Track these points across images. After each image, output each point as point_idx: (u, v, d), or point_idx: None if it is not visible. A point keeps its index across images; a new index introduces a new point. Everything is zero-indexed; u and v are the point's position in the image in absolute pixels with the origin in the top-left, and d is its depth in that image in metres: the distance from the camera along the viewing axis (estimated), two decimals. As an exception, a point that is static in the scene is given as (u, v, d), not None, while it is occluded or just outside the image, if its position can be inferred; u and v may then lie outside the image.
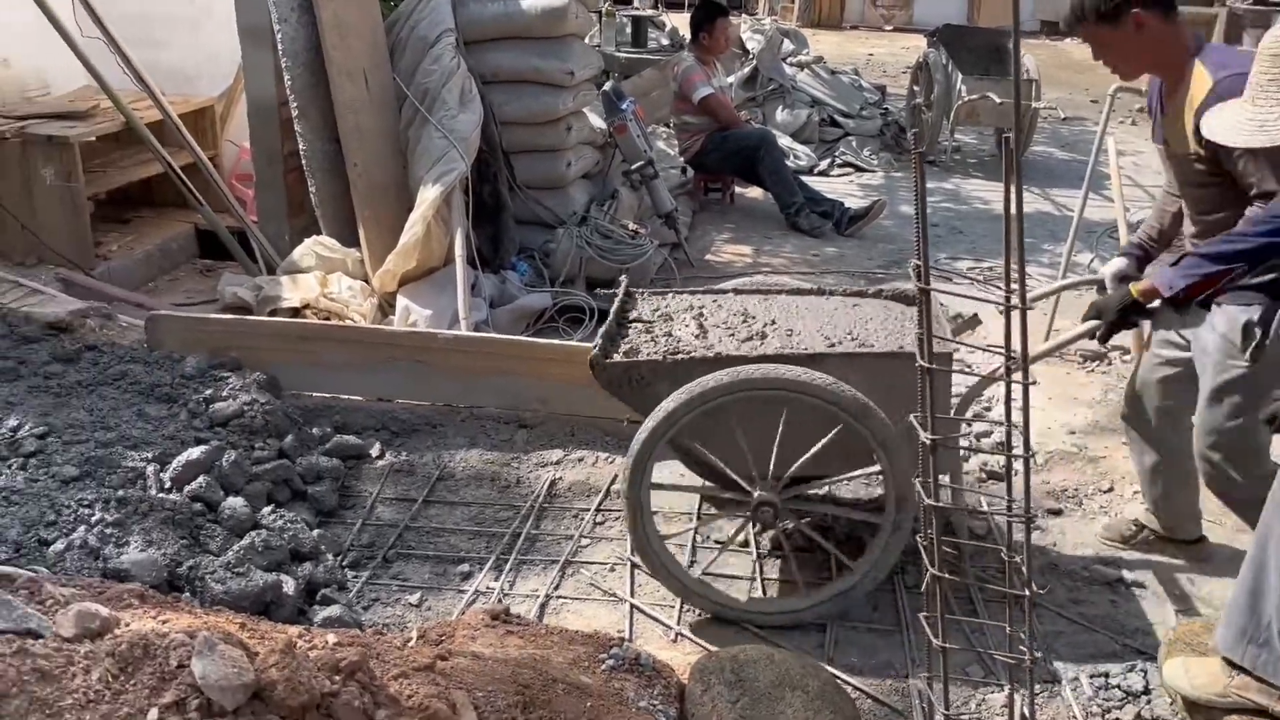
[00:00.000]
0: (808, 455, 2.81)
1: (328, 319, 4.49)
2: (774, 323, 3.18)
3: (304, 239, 4.85)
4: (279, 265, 4.86)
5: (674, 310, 3.33)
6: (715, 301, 3.38)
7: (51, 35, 4.78)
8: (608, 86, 5.91)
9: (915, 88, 8.93)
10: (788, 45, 10.42)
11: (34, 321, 4.36)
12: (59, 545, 2.95)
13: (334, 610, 2.93)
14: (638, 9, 11.04)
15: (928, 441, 2.19)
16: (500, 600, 3.07)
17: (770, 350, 2.95)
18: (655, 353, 3.00)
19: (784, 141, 8.18)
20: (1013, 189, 1.92)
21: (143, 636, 1.53)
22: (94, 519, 3.06)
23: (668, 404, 2.80)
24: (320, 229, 4.91)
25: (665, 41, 10.08)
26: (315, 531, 3.30)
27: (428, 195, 4.67)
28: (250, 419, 3.68)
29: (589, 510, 3.54)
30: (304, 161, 4.79)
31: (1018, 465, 2.16)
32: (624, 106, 5.73)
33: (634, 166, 5.77)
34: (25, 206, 4.99)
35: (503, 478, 3.73)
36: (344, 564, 3.27)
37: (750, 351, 2.94)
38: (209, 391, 3.81)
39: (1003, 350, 2.15)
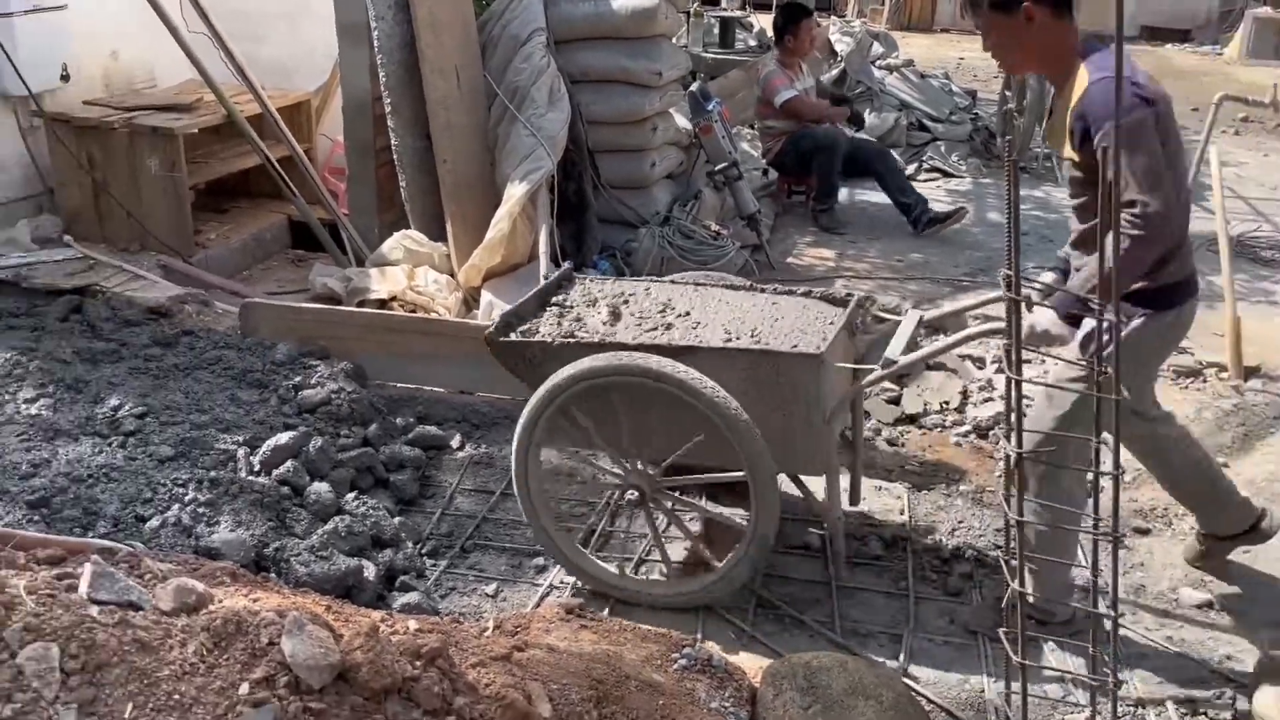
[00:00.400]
0: (685, 447, 2.85)
1: (414, 312, 4.58)
2: (688, 314, 3.21)
3: (393, 233, 4.95)
4: (368, 258, 4.97)
5: (602, 296, 3.39)
6: (647, 291, 3.42)
7: (159, 29, 4.96)
8: (694, 87, 5.92)
9: (1007, 93, 8.75)
10: (877, 48, 10.31)
11: (136, 305, 4.53)
12: (154, 522, 3.07)
13: (413, 597, 3.00)
14: (725, 10, 11.02)
15: (1013, 455, 2.15)
16: (573, 595, 3.10)
17: (657, 340, 3.02)
18: (547, 335, 3.09)
19: (870, 145, 8.09)
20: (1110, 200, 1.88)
21: (236, 613, 1.59)
22: (187, 498, 3.17)
23: (545, 386, 2.90)
24: (409, 223, 5.00)
25: (753, 43, 10.04)
26: (396, 519, 3.37)
27: (514, 192, 4.73)
28: (337, 407, 3.78)
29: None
30: (395, 157, 4.89)
31: (1105, 482, 2.11)
32: (710, 107, 5.73)
33: (718, 167, 5.77)
34: (131, 195, 5.18)
35: (579, 473, 3.76)
36: (423, 552, 3.33)
37: (634, 340, 3.00)
38: (298, 379, 3.92)
39: (1093, 363, 2.10)
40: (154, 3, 4.90)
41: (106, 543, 2.15)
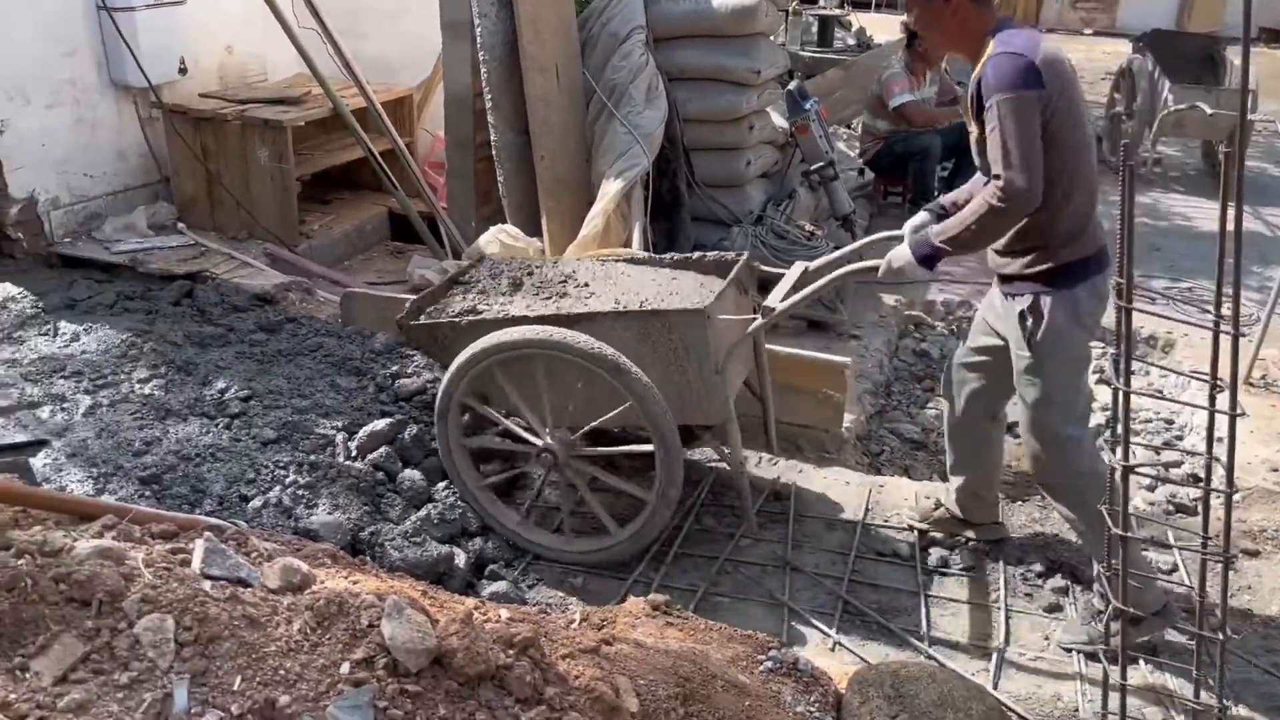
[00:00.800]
0: (601, 413, 3.06)
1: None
2: (586, 285, 3.38)
3: (489, 227, 5.02)
4: (464, 251, 5.05)
5: (507, 273, 3.56)
6: (555, 265, 3.59)
7: (271, 24, 5.11)
8: (792, 86, 5.86)
9: (1116, 95, 8.49)
10: (980, 47, 10.06)
11: (243, 292, 4.69)
12: (256, 502, 3.17)
13: (501, 586, 3.04)
14: (824, 9, 10.90)
15: (1119, 468, 2.09)
16: (657, 591, 3.10)
17: (551, 311, 3.20)
18: (454, 314, 3.26)
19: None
20: (1231, 207, 1.81)
21: (338, 595, 1.63)
22: (288, 480, 3.27)
23: (452, 367, 3.10)
24: (505, 217, 5.07)
25: (851, 41, 9.92)
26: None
27: (610, 189, 4.76)
28: (432, 396, 3.84)
29: (751, 510, 3.53)
30: (494, 152, 4.96)
31: (1216, 500, 2.03)
32: (807, 106, 5.67)
33: (814, 167, 5.71)
34: (241, 185, 5.36)
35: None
36: (510, 541, 3.37)
37: (531, 312, 3.19)
38: (395, 368, 4.00)
39: (1208, 376, 2.03)
40: (270, 2, 5.05)
41: (216, 520, 2.23)
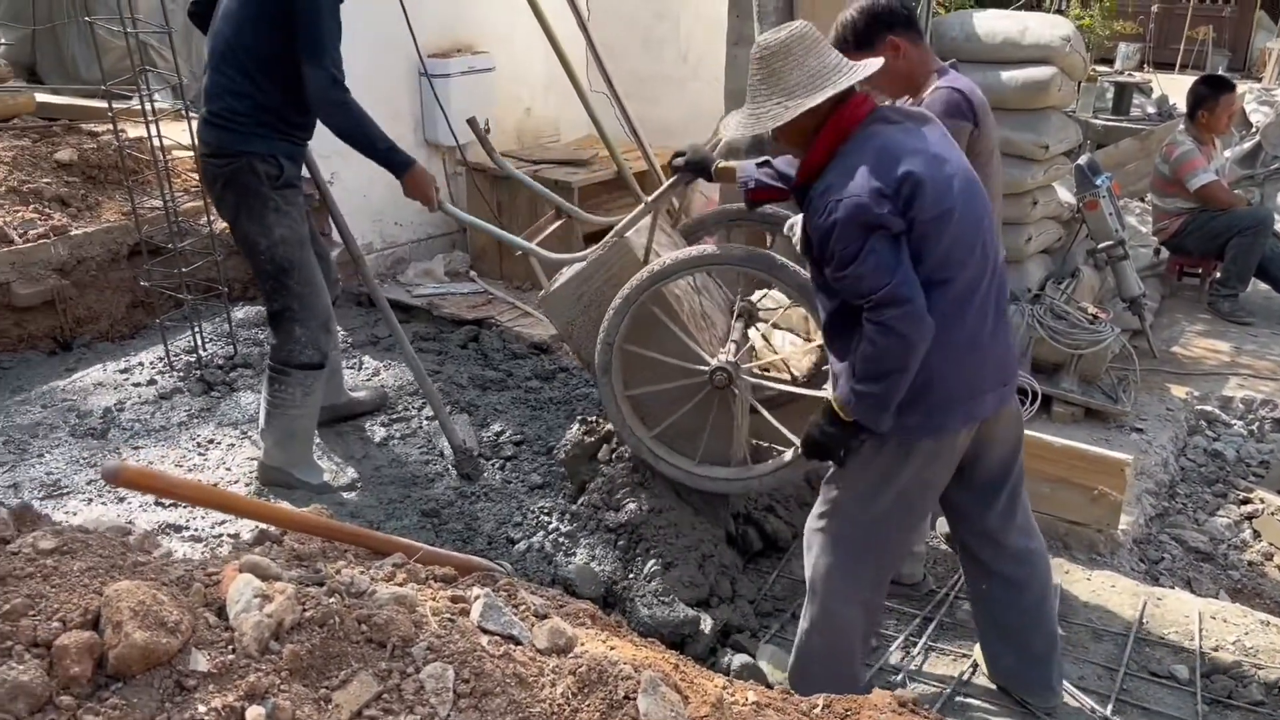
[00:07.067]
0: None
1: (766, 370, 4.67)
2: None
3: (755, 289, 5.09)
4: (730, 312, 5.14)
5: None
6: None
7: (567, 89, 5.45)
8: (1083, 160, 5.59)
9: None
10: (1302, 117, 9.19)
11: (522, 340, 5.01)
12: (521, 545, 3.36)
13: (745, 659, 3.06)
14: (1122, 73, 10.32)
15: None
16: (905, 682, 3.02)
17: None
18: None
19: (1285, 228, 7.23)
20: None
21: (598, 662, 1.71)
22: (551, 526, 3.45)
23: (609, 312, 3.22)
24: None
25: (1151, 110, 9.32)
26: (733, 576, 3.45)
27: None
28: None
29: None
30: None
31: None
32: (1099, 181, 5.39)
33: (1101, 245, 5.41)
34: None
35: (924, 556, 3.66)
36: (757, 610, 3.39)
37: None
38: (657, 425, 4.13)
39: None
40: (567, 66, 5.40)
41: (490, 564, 2.40)
